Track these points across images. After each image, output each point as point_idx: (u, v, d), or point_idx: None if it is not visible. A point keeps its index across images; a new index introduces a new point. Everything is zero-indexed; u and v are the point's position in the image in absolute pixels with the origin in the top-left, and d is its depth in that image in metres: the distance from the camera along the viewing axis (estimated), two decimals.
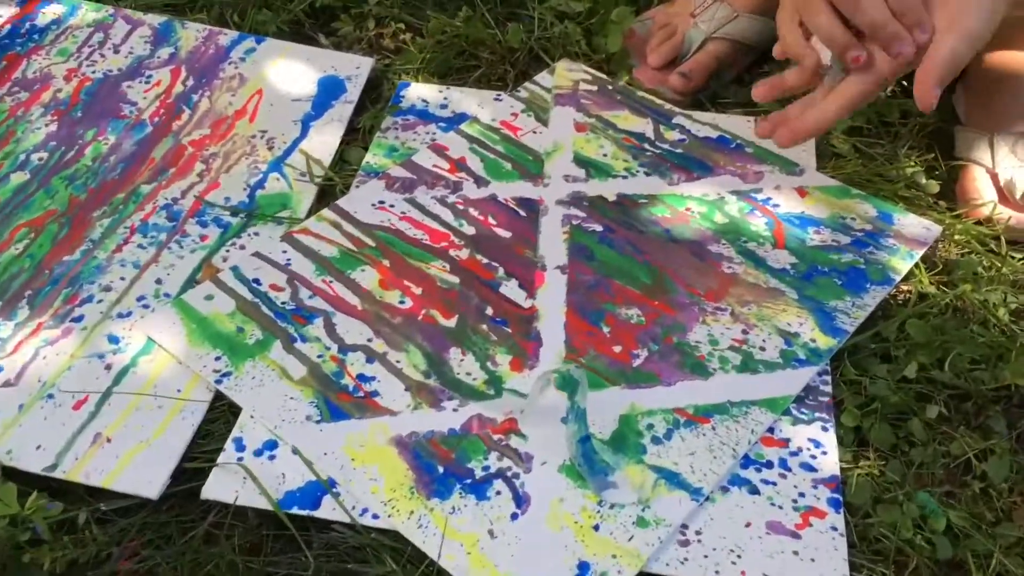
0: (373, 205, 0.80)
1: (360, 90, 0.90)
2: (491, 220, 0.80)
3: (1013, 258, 0.79)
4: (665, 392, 0.68)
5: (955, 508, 0.63)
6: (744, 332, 0.72)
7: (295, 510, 0.60)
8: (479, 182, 0.83)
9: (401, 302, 0.73)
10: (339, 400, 0.66)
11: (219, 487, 0.61)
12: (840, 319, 0.72)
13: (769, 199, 0.82)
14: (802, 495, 0.62)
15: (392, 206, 0.80)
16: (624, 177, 0.84)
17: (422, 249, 0.77)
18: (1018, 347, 0.71)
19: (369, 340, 0.70)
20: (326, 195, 0.82)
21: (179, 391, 0.66)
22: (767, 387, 0.68)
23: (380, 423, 0.65)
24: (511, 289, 0.74)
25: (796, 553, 0.60)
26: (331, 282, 0.74)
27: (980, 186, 0.82)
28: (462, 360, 0.69)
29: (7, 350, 0.68)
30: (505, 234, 0.79)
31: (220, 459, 0.62)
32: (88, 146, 0.83)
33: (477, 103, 0.91)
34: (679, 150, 0.87)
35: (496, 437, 0.64)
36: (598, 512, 0.60)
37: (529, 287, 0.74)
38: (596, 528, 0.60)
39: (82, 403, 0.65)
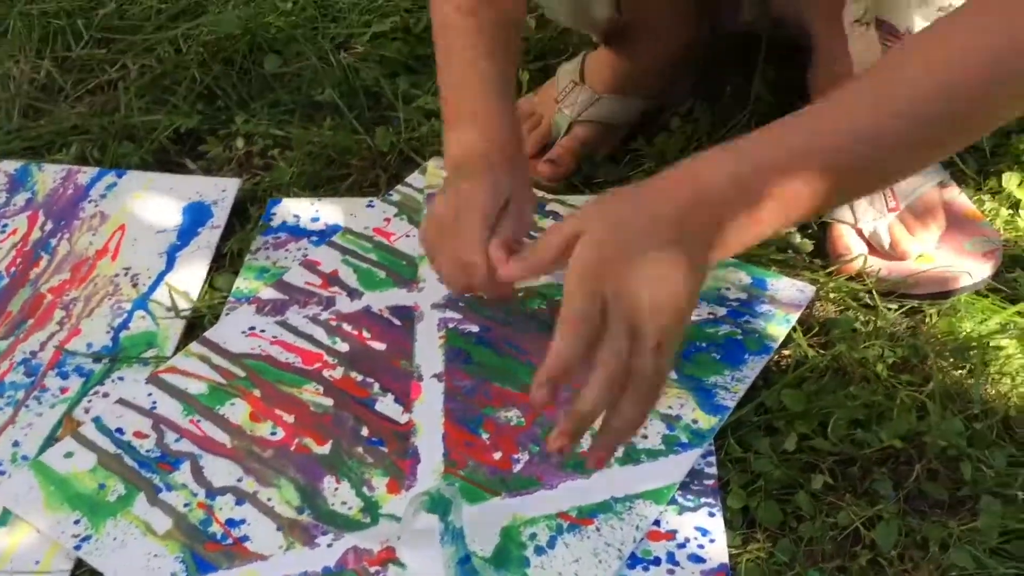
0: (243, 332, 0.78)
1: (227, 213, 0.89)
2: (365, 334, 0.78)
3: (888, 309, 0.79)
4: (547, 496, 0.66)
5: None
6: None
7: None
8: (352, 295, 0.82)
9: (273, 433, 0.70)
10: (206, 551, 0.63)
11: None
12: (720, 395, 0.72)
13: None
14: None
15: (263, 331, 0.78)
16: None
17: (294, 373, 0.75)
18: (898, 404, 0.71)
19: (239, 480, 0.67)
20: (195, 328, 0.80)
21: (37, 563, 0.62)
22: (651, 477, 0.67)
23: (250, 570, 0.62)
24: (387, 405, 0.72)
25: None
26: (199, 421, 0.71)
27: (848, 242, 0.83)
28: (336, 489, 0.66)
29: None
30: (380, 347, 0.77)
31: None
32: None
33: (349, 212, 0.90)
34: None
35: (373, 570, 0.62)
36: None
37: (405, 400, 0.73)
38: None
39: None
